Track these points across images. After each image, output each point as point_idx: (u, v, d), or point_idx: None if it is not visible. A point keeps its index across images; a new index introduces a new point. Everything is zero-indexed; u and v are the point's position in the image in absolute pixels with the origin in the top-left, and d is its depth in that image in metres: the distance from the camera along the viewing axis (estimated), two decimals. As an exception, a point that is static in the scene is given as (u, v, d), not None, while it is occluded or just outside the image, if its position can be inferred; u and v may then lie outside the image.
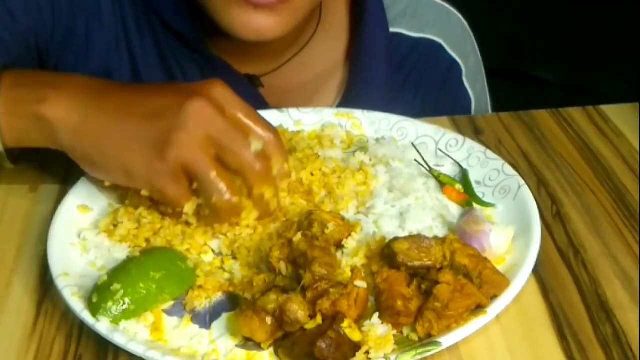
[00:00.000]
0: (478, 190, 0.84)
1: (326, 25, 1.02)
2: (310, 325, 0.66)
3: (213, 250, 0.77)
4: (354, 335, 0.64)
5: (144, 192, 0.76)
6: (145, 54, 1.01)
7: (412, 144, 0.89)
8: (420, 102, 1.08)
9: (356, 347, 0.64)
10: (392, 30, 1.06)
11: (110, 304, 0.67)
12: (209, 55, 1.00)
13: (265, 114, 0.88)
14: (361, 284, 0.68)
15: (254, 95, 1.01)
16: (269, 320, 0.66)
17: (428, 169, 0.85)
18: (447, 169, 0.87)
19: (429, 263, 0.70)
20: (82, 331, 0.70)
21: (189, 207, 0.75)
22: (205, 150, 0.72)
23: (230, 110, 0.74)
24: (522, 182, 0.83)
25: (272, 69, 1.03)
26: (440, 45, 1.08)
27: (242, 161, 0.73)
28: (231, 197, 0.73)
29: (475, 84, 1.12)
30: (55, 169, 0.91)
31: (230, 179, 0.73)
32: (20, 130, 0.78)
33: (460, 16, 1.12)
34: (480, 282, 0.69)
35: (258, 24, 0.87)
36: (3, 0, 0.95)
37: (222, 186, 0.72)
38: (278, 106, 0.96)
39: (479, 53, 1.14)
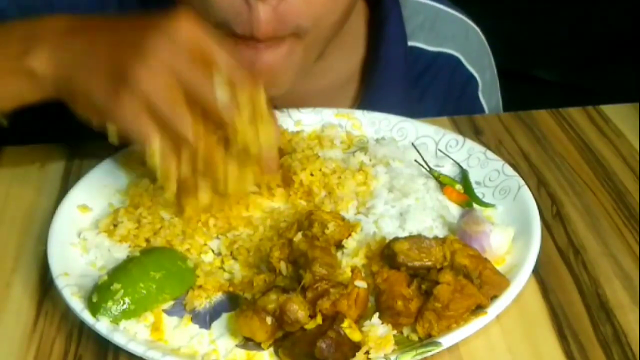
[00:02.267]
0: (478, 191, 0.84)
1: (340, 38, 0.98)
2: (310, 325, 0.66)
3: (213, 250, 0.77)
4: (354, 336, 0.64)
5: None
6: None
7: (412, 144, 0.89)
8: (437, 116, 1.07)
9: (356, 347, 0.64)
10: (409, 44, 1.05)
11: (110, 303, 0.67)
12: None
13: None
14: (361, 284, 0.68)
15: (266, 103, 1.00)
16: (269, 320, 0.66)
17: (428, 169, 0.85)
18: (447, 169, 0.87)
19: (429, 263, 0.70)
20: (82, 331, 0.70)
21: (154, 145, 0.68)
22: (166, 82, 0.67)
23: (197, 47, 0.69)
24: (522, 182, 0.83)
25: None
26: (458, 60, 1.07)
27: (207, 95, 0.68)
28: (196, 137, 0.67)
29: (490, 99, 1.12)
30: (55, 168, 0.91)
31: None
32: (11, 89, 0.77)
33: (478, 30, 1.11)
34: (480, 282, 0.69)
35: None
36: None
37: (187, 118, 0.67)
38: None
39: (495, 68, 1.13)
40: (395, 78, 1.03)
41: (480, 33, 1.11)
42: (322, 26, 0.86)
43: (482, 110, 1.10)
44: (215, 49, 0.70)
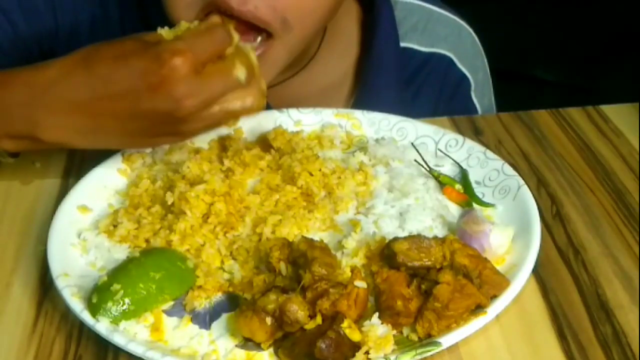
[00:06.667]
0: (478, 191, 0.84)
1: (333, 39, 1.01)
2: (310, 325, 0.66)
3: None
4: (354, 336, 0.64)
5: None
6: None
7: (412, 144, 0.89)
8: (430, 116, 1.08)
9: (356, 347, 0.64)
10: (403, 45, 1.06)
11: (110, 304, 0.68)
12: None
13: (265, 114, 0.88)
14: (361, 284, 0.68)
15: None
16: (268, 320, 0.66)
17: (428, 169, 0.85)
18: (447, 169, 0.87)
19: (429, 263, 0.70)
20: (82, 331, 0.70)
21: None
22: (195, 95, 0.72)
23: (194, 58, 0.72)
24: (521, 182, 0.83)
25: (278, 82, 1.00)
26: (450, 60, 1.08)
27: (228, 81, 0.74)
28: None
29: (483, 98, 1.12)
30: (55, 168, 0.91)
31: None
32: (20, 147, 0.80)
33: (471, 30, 1.12)
34: (480, 282, 0.69)
35: None
36: (2, 10, 0.95)
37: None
38: None
39: (488, 69, 1.14)
40: (388, 78, 1.04)
41: (474, 34, 1.12)
42: (306, 24, 0.86)
43: (474, 110, 1.11)
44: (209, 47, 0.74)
